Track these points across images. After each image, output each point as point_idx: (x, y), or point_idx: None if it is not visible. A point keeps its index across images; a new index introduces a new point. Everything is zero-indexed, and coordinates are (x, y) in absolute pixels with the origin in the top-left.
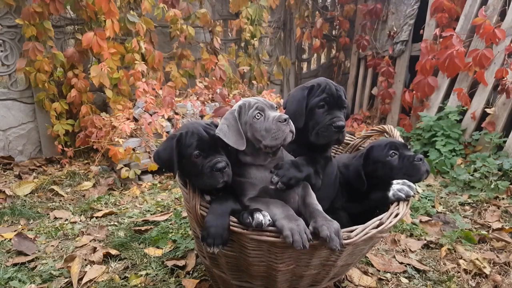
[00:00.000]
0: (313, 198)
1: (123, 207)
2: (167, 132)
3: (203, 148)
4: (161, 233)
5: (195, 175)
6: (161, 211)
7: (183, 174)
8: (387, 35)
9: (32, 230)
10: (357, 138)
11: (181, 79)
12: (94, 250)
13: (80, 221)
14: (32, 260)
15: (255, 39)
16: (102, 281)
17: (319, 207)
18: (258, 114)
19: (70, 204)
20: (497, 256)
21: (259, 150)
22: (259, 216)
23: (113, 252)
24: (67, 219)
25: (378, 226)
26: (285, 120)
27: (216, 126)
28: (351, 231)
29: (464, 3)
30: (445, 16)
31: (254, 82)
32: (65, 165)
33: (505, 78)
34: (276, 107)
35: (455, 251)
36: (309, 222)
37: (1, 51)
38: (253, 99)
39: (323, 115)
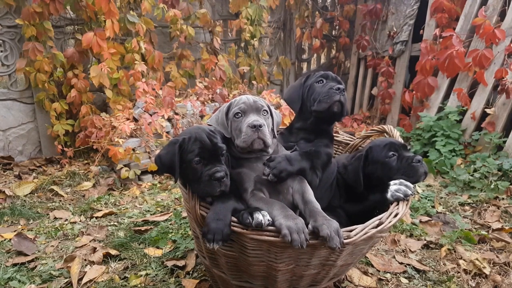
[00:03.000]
0: (311, 195)
1: (123, 207)
2: (167, 132)
3: (204, 156)
4: (161, 233)
5: (194, 181)
6: (161, 211)
7: (182, 178)
8: (387, 35)
9: (32, 230)
10: (357, 138)
11: (181, 79)
12: (94, 250)
13: (80, 221)
14: (32, 260)
15: (255, 39)
16: (102, 281)
17: (318, 206)
18: (238, 114)
19: (70, 204)
20: (497, 256)
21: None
22: (258, 216)
23: (113, 252)
24: (67, 219)
25: (377, 225)
26: (255, 126)
27: (220, 134)
28: (351, 231)
29: (464, 3)
30: (445, 16)
31: (254, 82)
32: (65, 165)
33: (505, 78)
34: (266, 111)
35: (455, 251)
36: (309, 221)
37: (1, 51)
38: (245, 98)
39: (322, 87)
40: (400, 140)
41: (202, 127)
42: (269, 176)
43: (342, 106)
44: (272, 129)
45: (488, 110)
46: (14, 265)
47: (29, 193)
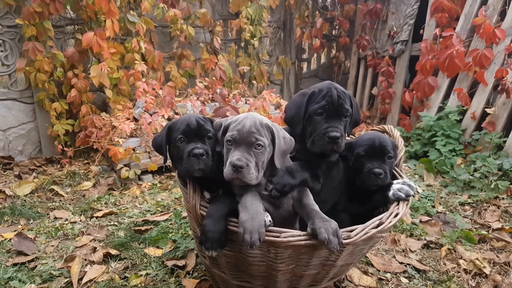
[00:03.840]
0: (309, 198)
1: (123, 207)
2: None
3: (187, 134)
4: (161, 233)
5: (177, 159)
6: (161, 211)
7: (171, 159)
8: (387, 35)
9: (32, 230)
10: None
11: (181, 79)
12: (94, 250)
13: (80, 221)
14: (32, 260)
15: (255, 39)
16: (102, 281)
17: (316, 207)
18: (229, 142)
19: (70, 204)
20: (497, 256)
21: None
22: None
23: (113, 252)
24: (67, 219)
25: (378, 225)
26: (235, 167)
27: (211, 121)
28: (351, 231)
29: (464, 3)
30: (445, 16)
31: (254, 82)
32: (65, 165)
33: (505, 78)
34: (260, 145)
35: (455, 251)
36: (307, 223)
37: (1, 51)
38: (243, 124)
39: (320, 123)
40: (401, 140)
41: (193, 114)
42: (272, 192)
43: (335, 151)
44: (267, 161)
45: (488, 110)
46: (15, 264)
47: (29, 193)
